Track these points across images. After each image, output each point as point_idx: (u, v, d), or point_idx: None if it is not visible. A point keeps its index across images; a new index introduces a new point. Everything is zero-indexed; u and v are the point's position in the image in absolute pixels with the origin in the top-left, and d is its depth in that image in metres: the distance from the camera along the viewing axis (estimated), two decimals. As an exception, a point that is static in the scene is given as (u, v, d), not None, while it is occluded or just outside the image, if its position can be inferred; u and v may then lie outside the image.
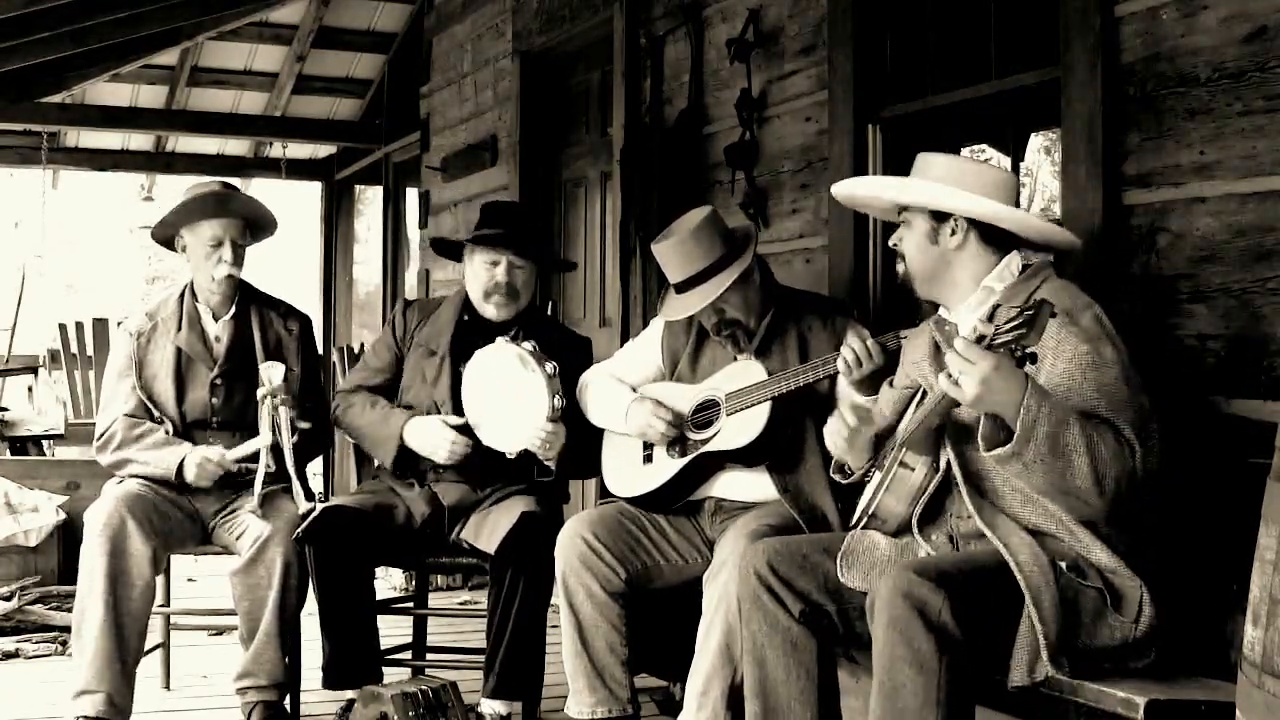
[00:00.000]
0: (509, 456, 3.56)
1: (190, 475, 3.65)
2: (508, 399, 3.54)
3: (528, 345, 3.54)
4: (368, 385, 3.83)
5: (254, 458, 3.63)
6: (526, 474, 3.66)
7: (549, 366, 3.48)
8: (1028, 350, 2.29)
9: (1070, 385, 2.47)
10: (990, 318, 2.62)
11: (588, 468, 3.70)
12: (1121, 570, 2.48)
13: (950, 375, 2.36)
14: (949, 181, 2.71)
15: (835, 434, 2.84)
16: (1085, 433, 2.36)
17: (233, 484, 3.74)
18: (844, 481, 2.92)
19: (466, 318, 3.78)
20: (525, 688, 3.46)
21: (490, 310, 3.73)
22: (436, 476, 3.70)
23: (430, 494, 3.68)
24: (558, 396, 3.46)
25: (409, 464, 3.69)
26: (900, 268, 2.83)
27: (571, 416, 3.55)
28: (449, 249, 3.91)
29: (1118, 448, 2.40)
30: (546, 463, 3.60)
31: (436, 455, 3.61)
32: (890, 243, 2.86)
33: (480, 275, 3.73)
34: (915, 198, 2.75)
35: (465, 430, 3.60)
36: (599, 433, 3.58)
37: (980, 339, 2.34)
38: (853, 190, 3.00)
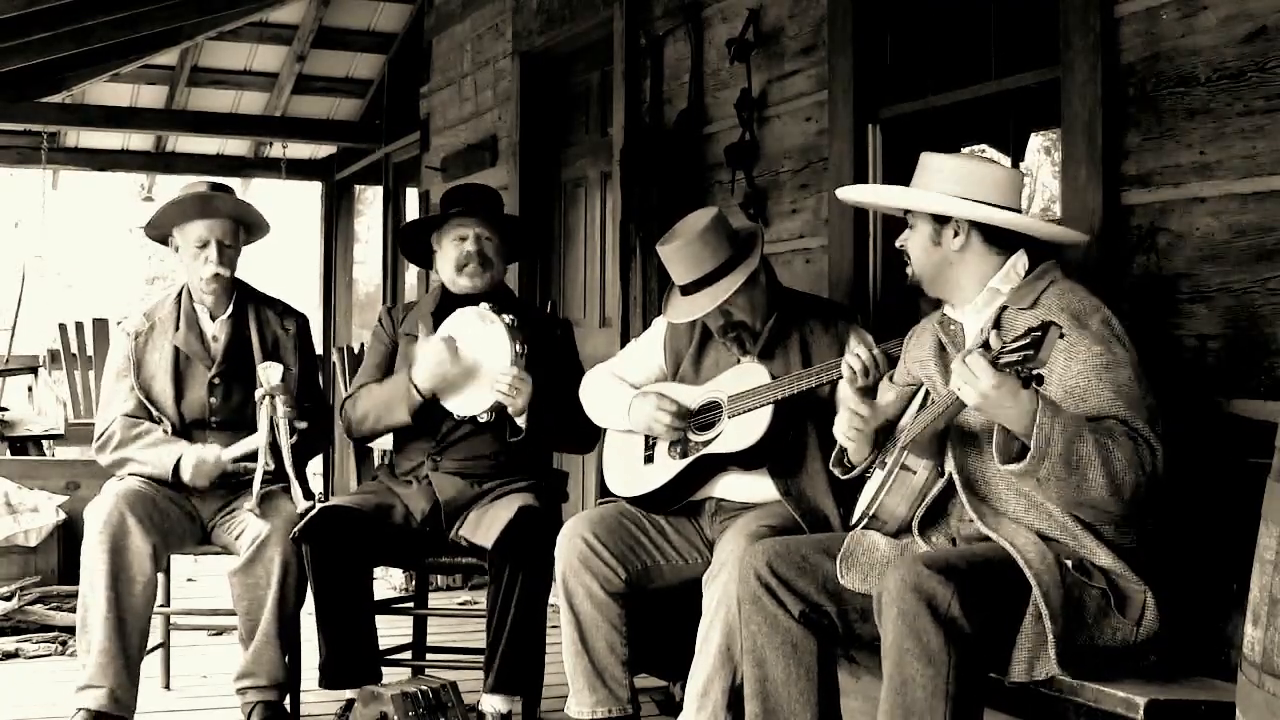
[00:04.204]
0: (481, 420, 3.61)
1: (186, 475, 3.65)
2: (472, 357, 3.61)
3: (484, 305, 3.62)
4: (371, 382, 3.86)
5: (251, 456, 3.63)
6: (518, 461, 3.67)
7: (507, 317, 3.56)
8: (1034, 372, 2.29)
9: (1087, 387, 2.47)
10: (996, 322, 2.63)
11: (571, 436, 3.73)
12: (1126, 573, 2.48)
13: (952, 385, 2.38)
14: (953, 183, 2.71)
15: (847, 426, 2.83)
16: (1099, 443, 2.36)
17: (231, 484, 3.74)
18: (844, 477, 2.92)
19: (444, 301, 3.83)
20: (525, 681, 3.47)
21: (464, 282, 3.77)
22: (434, 465, 3.71)
23: (428, 490, 3.68)
24: (519, 343, 3.54)
25: (428, 417, 3.68)
26: (909, 269, 2.84)
27: (554, 386, 3.59)
28: (414, 244, 3.94)
29: (1134, 451, 2.40)
30: (516, 418, 3.61)
31: (440, 366, 3.61)
32: (897, 243, 2.87)
33: (450, 253, 3.79)
34: (915, 203, 2.76)
35: (448, 344, 3.63)
36: (579, 402, 3.59)
37: (985, 347, 2.34)
38: (860, 196, 3.10)
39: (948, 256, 2.74)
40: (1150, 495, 2.43)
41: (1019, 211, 2.75)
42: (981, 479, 2.61)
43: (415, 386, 3.65)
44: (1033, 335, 2.25)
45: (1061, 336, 2.30)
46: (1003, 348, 2.30)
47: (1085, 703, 2.39)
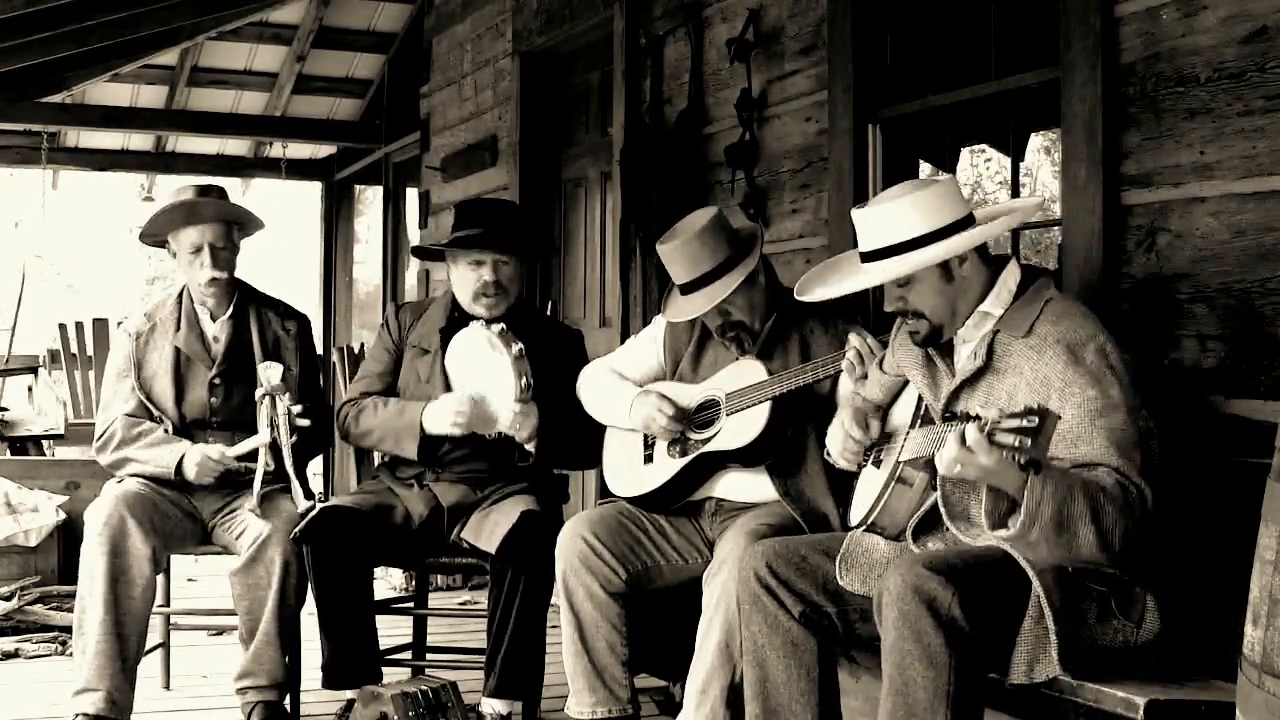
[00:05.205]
0: (488, 438, 3.59)
1: (190, 473, 3.65)
2: (481, 382, 3.57)
3: (496, 327, 3.56)
4: (372, 391, 3.82)
5: (254, 455, 3.63)
6: (520, 470, 3.66)
7: (515, 348, 3.49)
8: (1031, 459, 2.20)
9: (1080, 433, 2.41)
10: (990, 348, 2.58)
11: (575, 457, 3.73)
12: (1125, 577, 2.47)
13: (943, 453, 2.30)
14: (917, 220, 2.58)
15: (842, 448, 2.84)
16: (1090, 497, 2.29)
17: (232, 483, 3.74)
18: (835, 463, 2.94)
19: (456, 315, 3.78)
20: (526, 687, 3.47)
21: (481, 310, 3.71)
22: (435, 476, 3.70)
23: (429, 494, 3.68)
24: (524, 377, 3.49)
25: (432, 452, 3.67)
26: (915, 326, 2.68)
27: (562, 405, 3.57)
28: (430, 254, 3.91)
29: (1125, 502, 2.33)
30: (525, 446, 3.60)
31: (453, 429, 3.58)
32: (892, 309, 2.71)
33: (467, 278, 3.72)
34: (924, 260, 2.58)
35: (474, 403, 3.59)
36: (590, 421, 3.58)
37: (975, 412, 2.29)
38: (841, 290, 2.78)
39: (960, 286, 2.63)
40: (1140, 534, 2.37)
41: (973, 217, 2.64)
42: (975, 498, 2.58)
43: (424, 429, 3.60)
44: (1030, 421, 2.16)
45: (1059, 419, 2.23)
46: (998, 422, 2.21)
47: (1085, 703, 2.39)
